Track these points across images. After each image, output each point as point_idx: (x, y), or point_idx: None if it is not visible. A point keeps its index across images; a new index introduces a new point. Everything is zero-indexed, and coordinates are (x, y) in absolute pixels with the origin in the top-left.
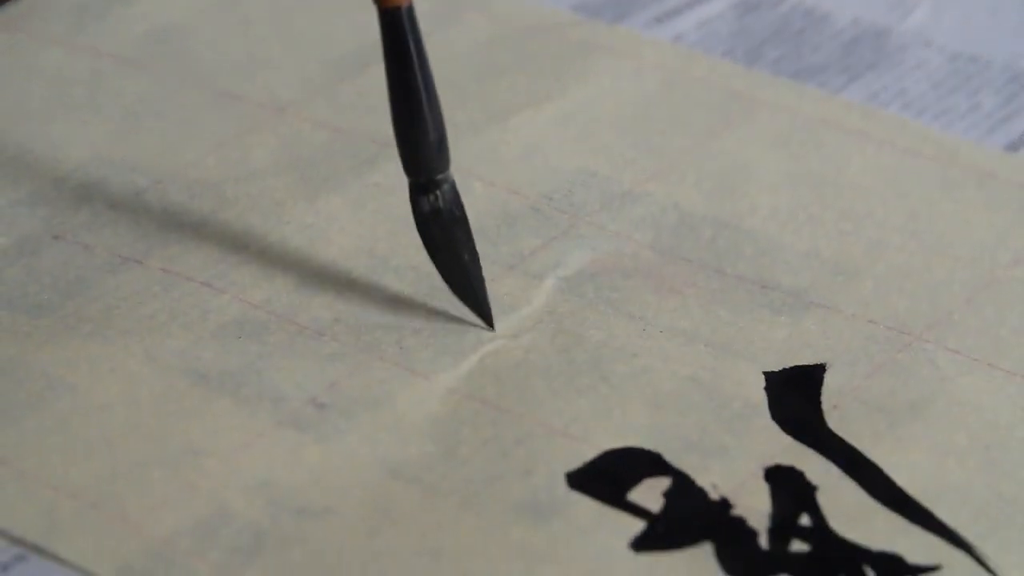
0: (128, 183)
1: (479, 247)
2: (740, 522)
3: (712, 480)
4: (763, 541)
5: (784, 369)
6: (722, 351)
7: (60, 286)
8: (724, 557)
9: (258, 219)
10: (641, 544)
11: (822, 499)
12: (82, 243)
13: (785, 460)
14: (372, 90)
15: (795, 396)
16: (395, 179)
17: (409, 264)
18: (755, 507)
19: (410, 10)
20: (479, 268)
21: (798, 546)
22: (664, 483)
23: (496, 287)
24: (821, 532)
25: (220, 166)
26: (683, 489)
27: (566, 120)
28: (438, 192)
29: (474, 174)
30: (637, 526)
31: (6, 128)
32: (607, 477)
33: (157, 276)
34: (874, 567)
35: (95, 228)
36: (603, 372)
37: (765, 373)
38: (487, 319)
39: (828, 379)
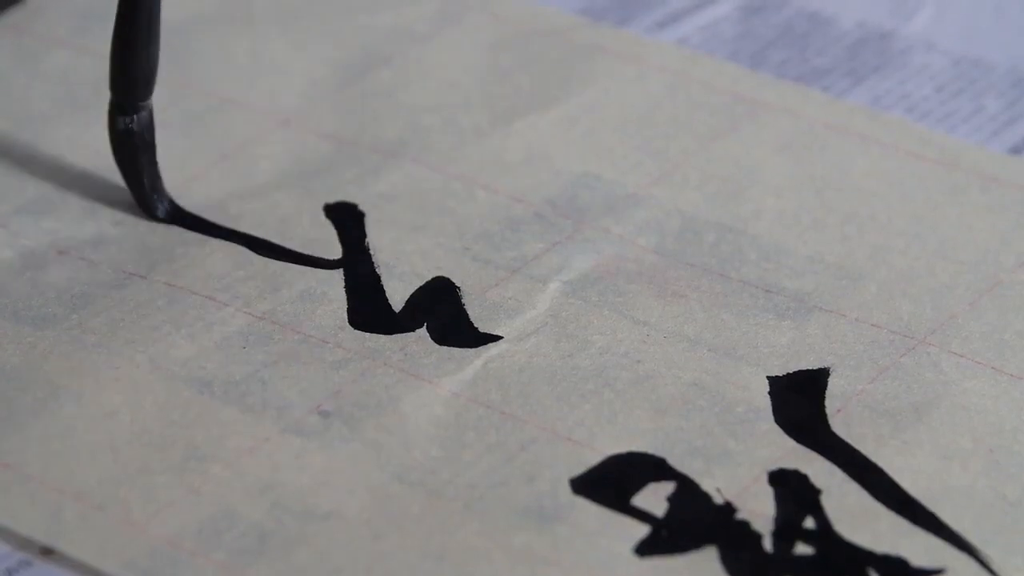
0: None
1: (483, 250)
2: (744, 526)
3: (716, 484)
4: (767, 544)
5: (788, 373)
6: (726, 355)
7: (65, 299)
8: (729, 561)
9: (263, 234)
10: (645, 549)
11: (826, 502)
12: (87, 259)
13: (789, 464)
14: (375, 95)
15: (799, 400)
16: (399, 189)
17: (414, 271)
18: (759, 511)
19: None
20: (158, 183)
21: (802, 549)
22: (668, 487)
23: (500, 291)
24: (825, 535)
25: (225, 179)
26: (687, 493)
27: (570, 124)
28: (135, 116)
29: (478, 179)
30: (641, 531)
31: (11, 131)
32: (611, 482)
33: (162, 290)
34: (879, 570)
35: (100, 244)
36: (607, 377)
37: (769, 377)
38: (144, 208)
39: (832, 383)
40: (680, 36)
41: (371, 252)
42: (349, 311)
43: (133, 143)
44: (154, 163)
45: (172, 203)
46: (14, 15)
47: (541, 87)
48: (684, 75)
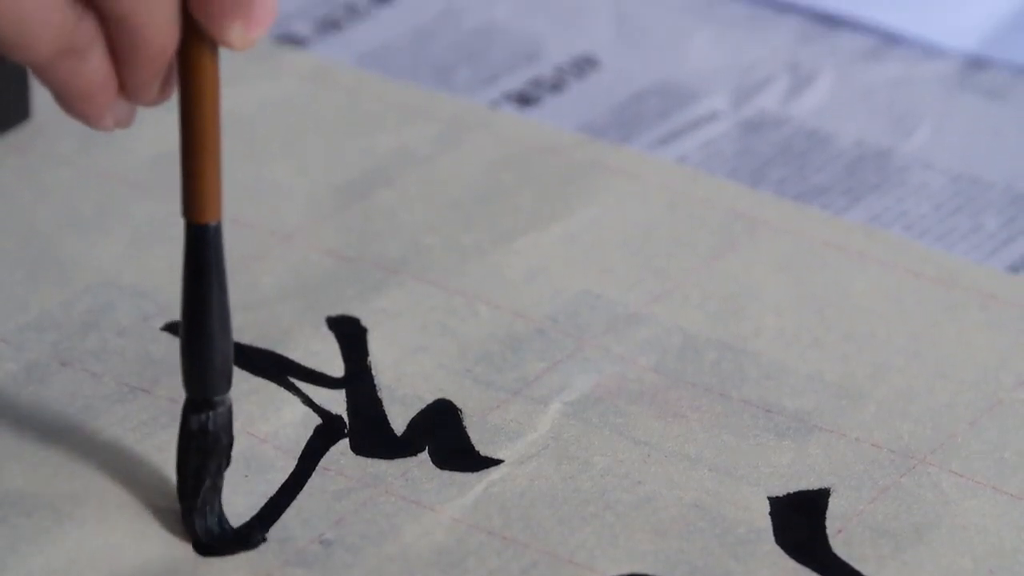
0: (135, 309)
1: (484, 372)
2: None
3: None
4: None
5: (789, 494)
6: (726, 476)
7: (68, 414)
8: None
9: (265, 347)
10: None
11: None
12: (90, 371)
13: None
14: (378, 215)
15: (800, 521)
16: (401, 305)
17: (415, 393)
18: None
19: (217, 229)
20: (216, 499)
21: None
22: None
23: (501, 413)
24: None
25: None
26: None
27: (571, 241)
28: (211, 413)
29: (480, 297)
30: None
31: (15, 250)
32: None
33: (164, 406)
34: None
35: (103, 356)
36: (608, 499)
37: (770, 498)
38: (192, 539)
39: (832, 503)
40: (680, 153)
41: (373, 373)
42: (351, 436)
43: (206, 445)
44: (222, 470)
45: (221, 519)
46: (18, 133)
47: (542, 205)
48: (684, 193)
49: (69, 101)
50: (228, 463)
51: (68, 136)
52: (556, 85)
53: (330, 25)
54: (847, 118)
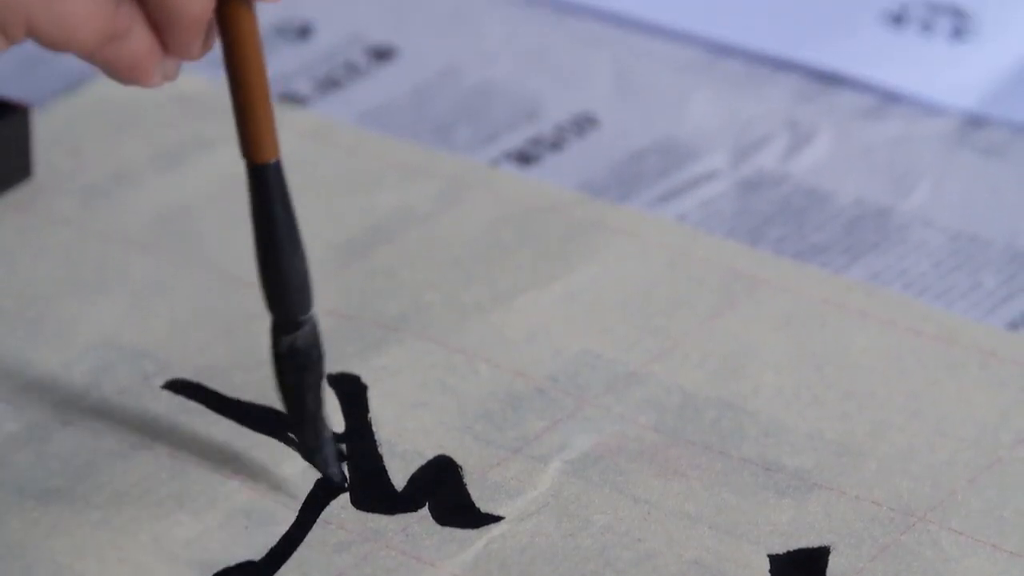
0: (136, 368)
1: (485, 430)
2: None
3: None
4: None
5: (789, 552)
6: (726, 534)
7: (69, 471)
8: None
9: (266, 405)
10: None
11: None
12: (91, 429)
13: None
14: (378, 273)
15: None
16: (402, 362)
17: (415, 449)
18: None
19: (277, 165)
20: (321, 412)
21: None
22: None
23: (502, 471)
24: None
25: (229, 352)
26: None
27: (571, 300)
28: (297, 333)
29: (480, 355)
30: None
31: (16, 310)
32: None
33: (165, 462)
34: None
35: (104, 414)
36: (608, 557)
37: (770, 556)
38: (324, 471)
39: (832, 561)
40: (679, 212)
41: (373, 429)
42: (351, 491)
43: (299, 362)
44: (320, 386)
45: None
46: (18, 193)
47: (542, 263)
48: (684, 251)
49: (118, 75)
50: (323, 376)
51: (69, 196)
52: (556, 144)
53: (330, 84)
54: (846, 176)
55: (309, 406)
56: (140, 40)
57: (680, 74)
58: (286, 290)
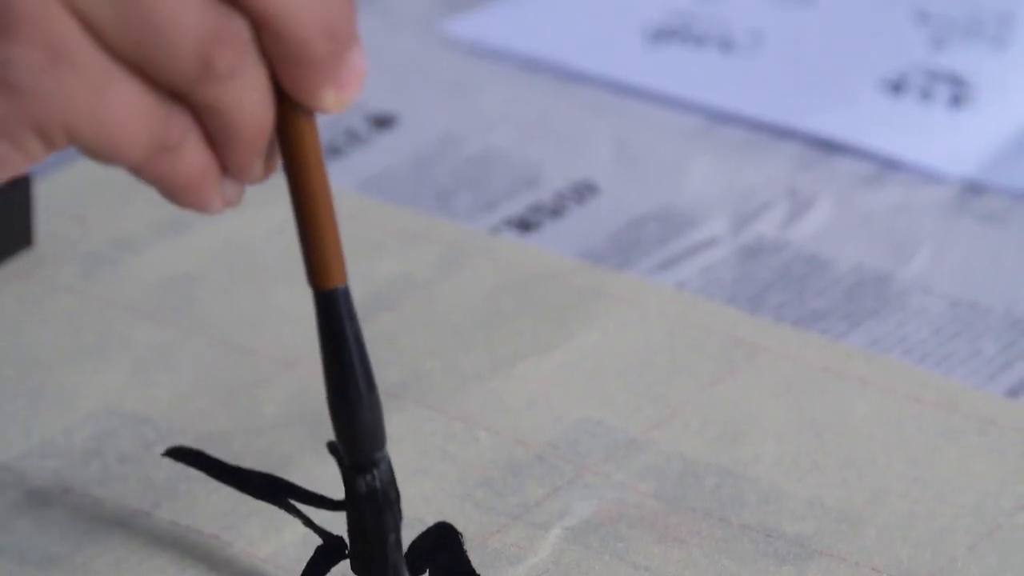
0: (137, 435)
1: (485, 497)
2: None
3: None
4: None
5: None
6: None
7: (70, 538)
8: None
9: (267, 470)
10: None
11: None
12: (92, 496)
13: None
14: (379, 340)
15: None
16: (402, 430)
17: (416, 516)
18: None
19: (346, 291)
20: (400, 555)
21: None
22: None
23: (502, 538)
24: None
25: (230, 418)
26: None
27: (571, 367)
28: (375, 471)
29: (480, 423)
30: None
31: (18, 377)
32: None
33: (166, 528)
34: None
35: (105, 481)
36: None
37: None
38: None
39: None
40: (679, 279)
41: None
42: (351, 557)
43: (378, 503)
44: (399, 527)
45: None
46: (20, 261)
47: (542, 330)
48: (683, 319)
49: (173, 195)
50: (401, 516)
51: (70, 264)
52: (556, 211)
53: (332, 151)
54: (846, 243)
55: (390, 551)
56: (195, 155)
57: (680, 141)
58: (361, 428)
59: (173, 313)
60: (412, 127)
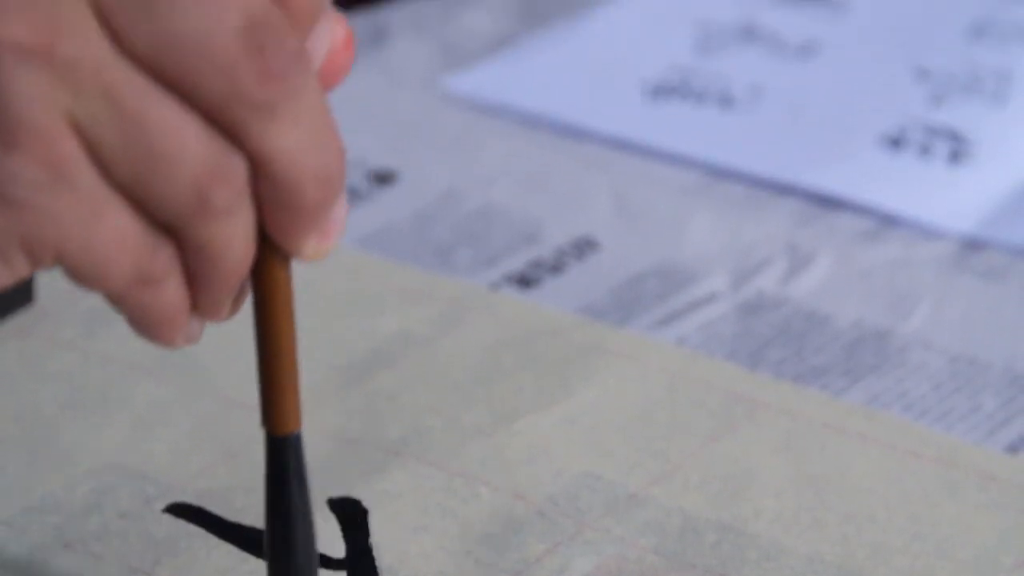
0: (138, 491)
1: (485, 554)
2: None
3: None
4: None
5: None
6: None
7: None
8: None
9: None
10: None
11: None
12: (92, 553)
13: None
14: (379, 396)
15: None
16: (403, 486)
17: (416, 574)
18: None
19: (298, 437)
20: None
21: None
22: None
23: None
24: None
25: (230, 475)
26: None
27: (571, 423)
28: None
29: (480, 479)
30: None
31: (18, 434)
32: None
33: None
34: None
35: (105, 538)
36: None
37: None
38: None
39: None
40: (679, 335)
41: (375, 554)
42: None
43: None
44: None
45: None
46: (21, 318)
47: (542, 386)
48: (683, 375)
49: (143, 327)
50: None
51: (72, 321)
52: (556, 267)
53: None
54: (846, 299)
55: None
56: (174, 292)
57: (679, 197)
58: (294, 562)
59: (173, 370)
60: (412, 183)
